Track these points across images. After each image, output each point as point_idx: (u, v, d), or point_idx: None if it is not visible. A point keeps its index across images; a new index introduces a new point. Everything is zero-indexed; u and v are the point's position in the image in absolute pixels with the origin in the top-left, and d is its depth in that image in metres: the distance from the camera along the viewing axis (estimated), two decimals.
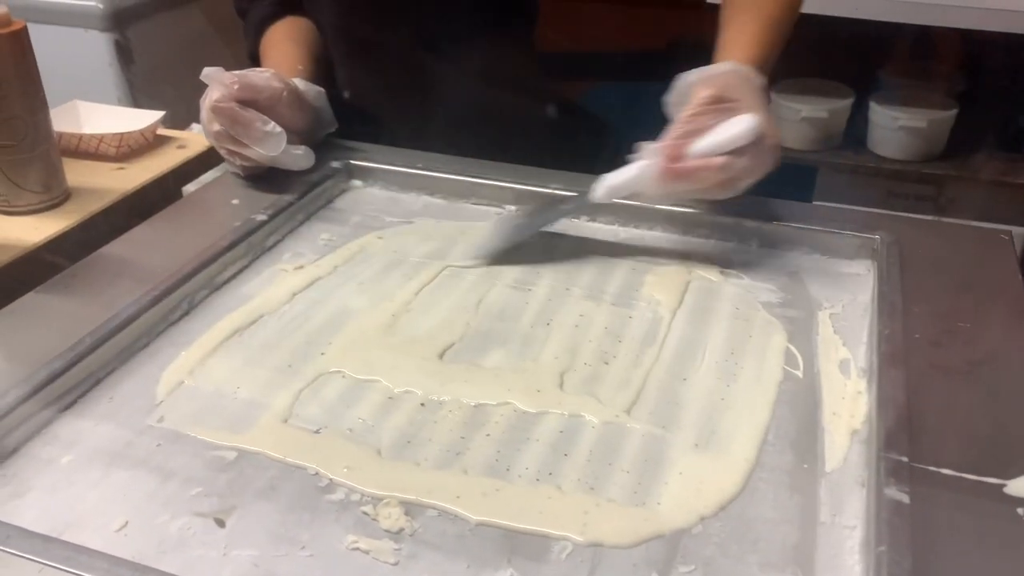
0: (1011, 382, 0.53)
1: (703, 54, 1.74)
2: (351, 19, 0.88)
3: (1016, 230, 1.63)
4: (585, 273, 0.68)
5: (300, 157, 0.75)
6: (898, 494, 0.44)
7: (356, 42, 0.88)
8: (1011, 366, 0.54)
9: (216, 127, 0.71)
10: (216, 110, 0.70)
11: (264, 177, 0.77)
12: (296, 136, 0.77)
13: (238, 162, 0.75)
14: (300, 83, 0.79)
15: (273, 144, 0.71)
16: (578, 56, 0.80)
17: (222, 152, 0.75)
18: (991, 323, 0.58)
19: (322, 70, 0.88)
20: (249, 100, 0.71)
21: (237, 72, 0.73)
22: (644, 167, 0.65)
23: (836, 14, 1.51)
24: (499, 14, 0.85)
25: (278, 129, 0.71)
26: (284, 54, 0.88)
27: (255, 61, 0.91)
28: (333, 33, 0.89)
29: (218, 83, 0.71)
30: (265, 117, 0.71)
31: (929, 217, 1.65)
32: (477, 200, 0.78)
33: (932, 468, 0.46)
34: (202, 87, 0.73)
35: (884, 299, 0.60)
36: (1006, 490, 0.45)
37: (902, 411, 0.50)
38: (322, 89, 0.81)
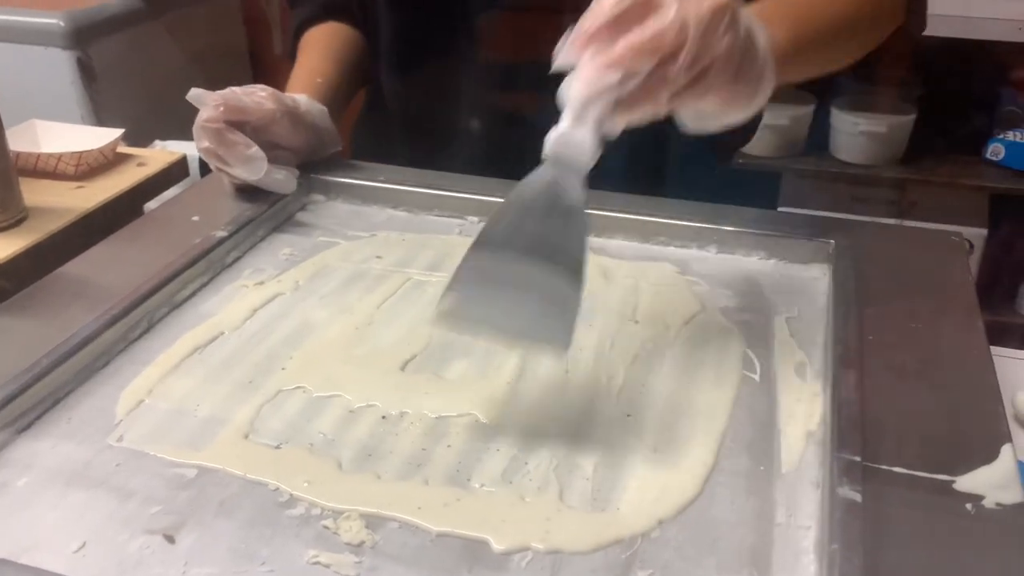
0: (961, 380, 0.54)
1: None
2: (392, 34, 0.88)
3: (974, 231, 1.67)
4: None
5: (281, 181, 0.75)
6: (851, 493, 0.45)
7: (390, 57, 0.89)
8: (961, 365, 0.55)
9: (204, 144, 0.72)
10: (204, 129, 0.71)
11: (226, 193, 0.77)
12: (293, 154, 0.78)
13: (226, 179, 0.76)
14: (303, 101, 0.79)
15: (254, 168, 0.72)
16: (524, 66, 0.80)
17: (212, 167, 0.76)
18: (943, 323, 0.59)
19: (352, 82, 0.89)
20: (238, 121, 0.71)
21: (224, 93, 0.73)
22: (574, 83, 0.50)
23: None
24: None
25: (260, 154, 0.72)
26: (309, 64, 0.88)
27: (293, 58, 0.91)
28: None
29: (203, 104, 0.72)
30: (249, 140, 0.71)
31: (891, 221, 1.68)
32: (440, 212, 0.79)
33: (885, 467, 0.47)
34: (165, 105, 0.73)
35: (839, 303, 0.61)
36: (955, 486, 0.46)
37: (856, 412, 0.51)
38: (324, 108, 0.81)
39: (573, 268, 0.50)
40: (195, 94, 0.73)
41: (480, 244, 0.50)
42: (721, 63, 0.50)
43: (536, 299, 0.50)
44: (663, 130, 0.60)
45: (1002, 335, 1.72)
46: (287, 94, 0.78)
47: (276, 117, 0.74)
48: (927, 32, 1.46)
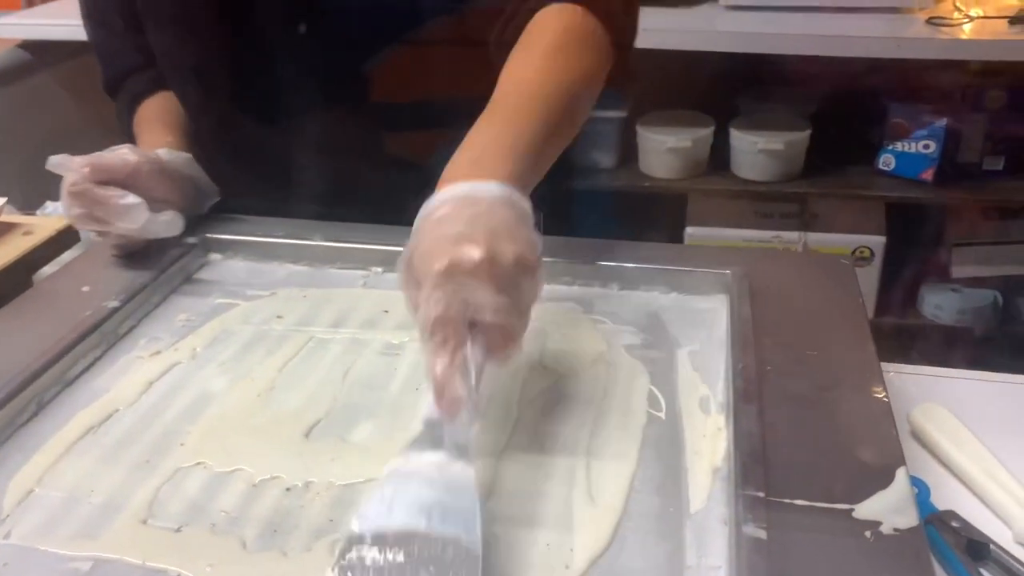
0: (856, 405, 0.55)
1: None
2: (186, 98, 0.86)
3: (873, 239, 1.73)
4: None
5: (168, 224, 0.73)
6: (756, 531, 0.46)
7: (208, 122, 0.87)
8: (856, 390, 0.57)
9: (76, 211, 0.70)
10: (72, 193, 0.69)
11: (118, 259, 0.75)
12: (171, 207, 0.75)
13: (110, 242, 0.74)
14: (165, 153, 0.77)
15: (134, 216, 0.70)
16: (426, 106, 0.79)
17: (92, 236, 0.73)
18: (837, 349, 0.61)
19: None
20: (105, 180, 0.69)
21: (88, 155, 0.71)
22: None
23: (693, 48, 1.57)
24: (335, 85, 0.82)
25: (136, 200, 0.69)
26: (154, 130, 0.86)
27: (129, 140, 0.88)
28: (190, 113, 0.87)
29: (68, 170, 0.69)
30: (123, 191, 0.69)
31: (794, 234, 1.74)
32: (343, 264, 0.78)
33: (787, 500, 0.48)
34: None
35: (736, 333, 0.62)
36: (854, 514, 0.47)
37: (757, 446, 0.52)
38: (189, 156, 0.79)
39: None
40: (56, 161, 0.70)
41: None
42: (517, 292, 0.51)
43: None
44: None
45: (907, 338, 1.78)
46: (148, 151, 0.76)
47: (143, 169, 0.72)
48: (820, 52, 1.51)
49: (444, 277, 0.49)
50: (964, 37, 1.52)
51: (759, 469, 0.50)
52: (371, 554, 0.44)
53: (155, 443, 0.57)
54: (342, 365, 0.64)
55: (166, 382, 0.63)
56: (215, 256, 0.79)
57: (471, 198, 0.54)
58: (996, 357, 1.75)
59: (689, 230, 1.78)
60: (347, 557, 0.44)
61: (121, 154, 0.72)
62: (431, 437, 0.50)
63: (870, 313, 1.78)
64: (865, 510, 0.47)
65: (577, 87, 0.68)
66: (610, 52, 0.72)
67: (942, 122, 1.62)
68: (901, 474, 0.49)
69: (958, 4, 1.57)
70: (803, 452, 0.52)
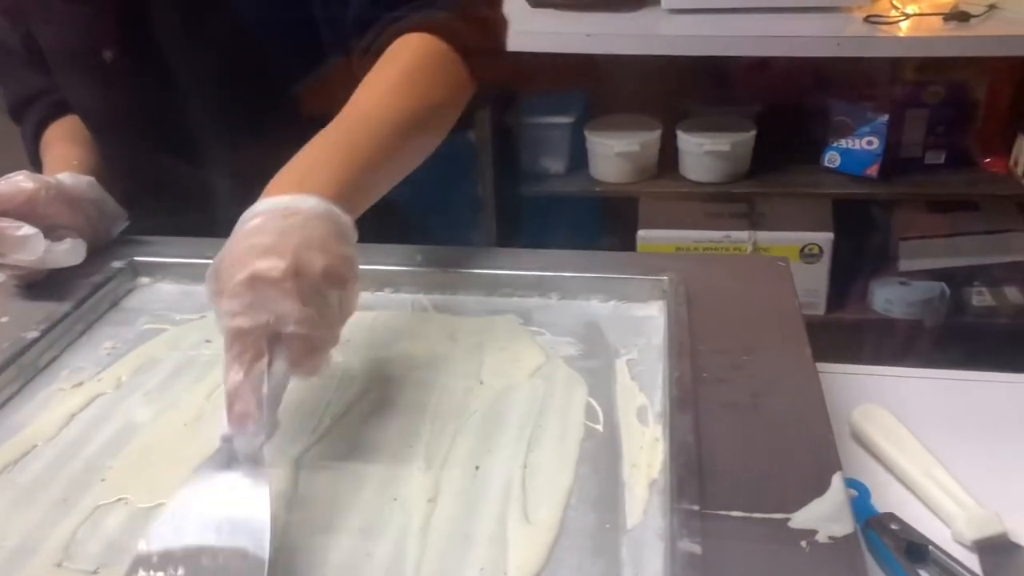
0: (791, 412, 0.55)
1: (510, 98, 1.76)
2: (101, 132, 0.84)
3: (821, 235, 1.75)
4: (394, 348, 0.66)
5: (67, 252, 0.71)
6: (691, 546, 0.45)
7: (112, 148, 0.85)
8: (790, 395, 0.56)
9: None
10: None
11: (39, 287, 0.72)
12: (73, 233, 0.72)
13: (8, 273, 0.71)
14: (67, 177, 0.74)
15: (31, 247, 0.67)
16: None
17: None
18: (772, 354, 0.60)
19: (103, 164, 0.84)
20: (0, 211, 0.67)
21: None
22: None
23: (637, 52, 1.58)
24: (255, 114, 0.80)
25: (32, 230, 0.67)
26: (59, 153, 0.84)
27: (37, 166, 0.86)
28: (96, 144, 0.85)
29: None
30: (17, 222, 0.66)
31: (744, 233, 1.74)
32: None
33: (723, 512, 0.47)
34: None
35: (673, 340, 0.62)
36: (790, 524, 0.46)
37: (692, 456, 0.51)
38: (92, 179, 0.76)
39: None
40: None
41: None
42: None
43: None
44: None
45: (858, 332, 1.80)
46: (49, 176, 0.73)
47: (41, 196, 0.69)
48: (762, 53, 1.52)
49: (245, 287, 0.49)
50: (901, 35, 1.53)
51: (694, 481, 0.49)
52: (156, 573, 0.44)
53: (74, 480, 0.54)
54: None
55: (88, 415, 0.60)
56: (144, 280, 0.77)
57: (288, 210, 0.53)
58: (945, 348, 1.77)
59: (641, 233, 1.79)
60: None
61: (15, 182, 0.69)
62: (227, 451, 0.49)
63: (821, 309, 1.80)
64: (801, 519, 0.47)
65: (422, 115, 0.68)
66: (467, 82, 0.73)
67: (884, 118, 1.64)
68: (837, 480, 0.49)
69: (895, 2, 1.59)
70: (739, 461, 0.51)
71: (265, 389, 0.48)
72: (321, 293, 0.51)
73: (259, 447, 0.49)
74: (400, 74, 0.69)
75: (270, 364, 0.49)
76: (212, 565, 0.44)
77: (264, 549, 0.45)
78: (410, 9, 0.72)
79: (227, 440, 0.49)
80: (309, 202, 0.54)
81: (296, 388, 0.54)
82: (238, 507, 0.47)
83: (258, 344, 0.49)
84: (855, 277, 1.83)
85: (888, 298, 1.80)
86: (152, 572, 0.44)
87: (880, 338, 1.80)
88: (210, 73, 0.78)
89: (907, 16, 1.56)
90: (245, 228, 0.53)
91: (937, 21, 1.54)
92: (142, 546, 0.45)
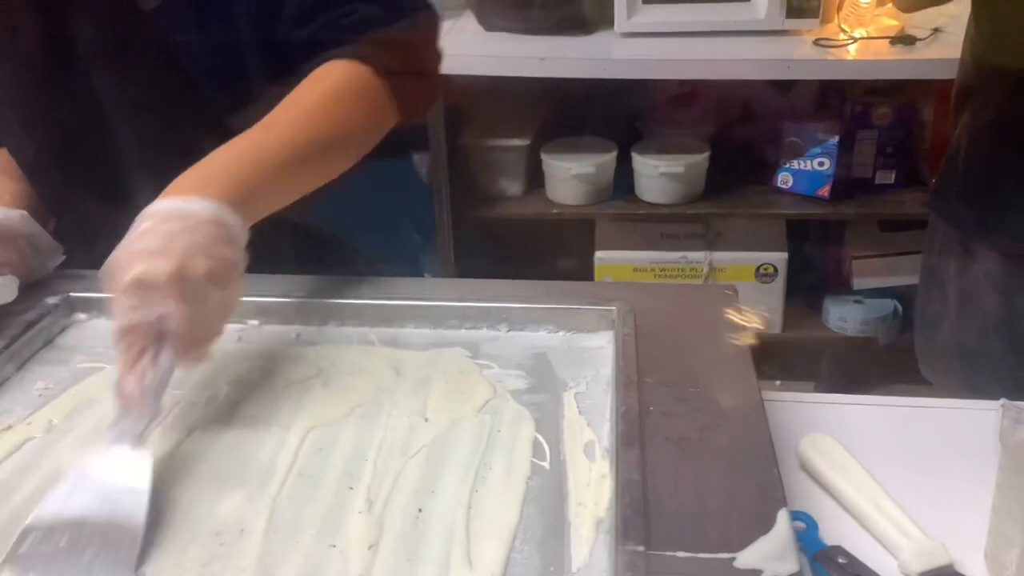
0: (737, 446, 0.54)
1: (464, 119, 1.76)
2: (31, 166, 0.82)
3: (776, 255, 1.76)
4: (337, 384, 0.65)
5: (1, 287, 0.68)
6: None
7: (43, 182, 0.83)
8: (737, 428, 0.56)
9: None
10: None
11: None
12: (8, 269, 0.70)
13: None
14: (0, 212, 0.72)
15: None
16: None
17: None
18: (719, 386, 0.60)
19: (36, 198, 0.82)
20: None
21: None
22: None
23: (591, 76, 1.59)
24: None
25: None
26: None
27: None
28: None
29: None
30: None
31: (700, 253, 1.75)
32: None
33: (668, 553, 0.47)
34: None
35: (620, 373, 0.61)
36: (736, 564, 0.46)
37: (638, 495, 0.50)
38: (24, 213, 0.74)
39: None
40: None
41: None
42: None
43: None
44: None
45: (814, 351, 1.81)
46: None
47: None
48: (713, 76, 1.53)
49: (131, 288, 0.55)
50: (849, 58, 1.56)
51: (639, 521, 0.48)
52: (41, 543, 0.49)
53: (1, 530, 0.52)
54: (209, 433, 0.60)
55: (16, 461, 0.58)
56: (80, 316, 0.74)
57: (179, 213, 0.58)
58: (899, 365, 1.79)
59: (599, 254, 1.79)
60: (19, 549, 0.49)
61: None
62: (116, 434, 0.55)
63: (777, 328, 1.81)
64: (746, 558, 0.46)
65: (334, 138, 0.70)
66: (389, 110, 0.74)
67: (834, 140, 1.66)
68: (782, 517, 0.48)
69: (843, 26, 1.62)
70: (685, 498, 0.50)
71: (149, 379, 0.55)
72: (203, 294, 0.56)
73: (143, 430, 0.55)
74: (319, 96, 0.70)
75: (156, 357, 0.55)
76: (94, 535, 0.50)
77: (141, 520, 0.50)
78: (340, 35, 0.73)
79: (114, 425, 0.55)
80: (202, 206, 0.58)
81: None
82: (122, 481, 0.52)
83: (144, 339, 0.55)
84: (809, 296, 1.85)
85: (842, 316, 1.82)
86: (38, 543, 0.49)
87: (834, 356, 1.81)
88: (138, 103, 0.76)
89: (855, 40, 1.59)
90: (137, 230, 0.57)
91: (884, 45, 1.57)
92: (33, 517, 0.50)
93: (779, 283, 1.76)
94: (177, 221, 0.57)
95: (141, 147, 0.77)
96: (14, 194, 0.79)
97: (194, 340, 0.57)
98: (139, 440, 0.55)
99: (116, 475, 0.53)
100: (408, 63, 0.75)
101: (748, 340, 0.65)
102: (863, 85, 1.69)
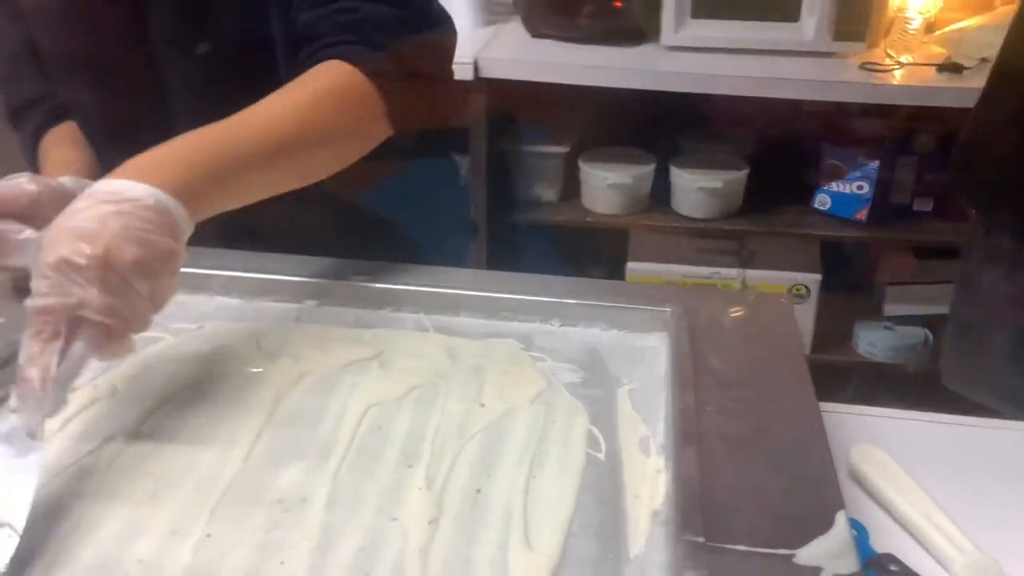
0: (795, 448, 0.55)
1: (508, 124, 1.77)
2: (95, 135, 0.84)
3: (809, 276, 1.76)
4: (394, 367, 0.66)
5: None
6: None
7: (109, 153, 0.84)
8: (794, 431, 0.56)
9: None
10: None
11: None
12: None
13: (7, 275, 0.69)
14: (69, 181, 0.73)
15: (32, 252, 0.66)
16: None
17: None
18: (775, 389, 0.61)
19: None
20: (1, 213, 0.65)
21: None
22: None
23: (634, 87, 1.59)
24: None
25: (34, 234, 0.65)
26: (61, 157, 0.83)
27: (34, 171, 0.85)
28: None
29: None
30: (20, 225, 0.65)
31: (733, 270, 1.76)
32: (277, 298, 0.75)
33: (727, 546, 0.47)
34: None
35: (676, 372, 0.62)
36: (795, 560, 0.46)
37: (696, 489, 0.51)
38: (93, 183, 0.76)
39: None
40: None
41: None
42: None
43: None
44: None
45: (842, 375, 1.81)
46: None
47: (44, 200, 0.68)
48: (757, 94, 1.54)
49: (52, 269, 0.51)
50: (895, 83, 1.56)
51: (698, 513, 0.49)
52: None
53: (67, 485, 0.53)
54: (271, 403, 0.61)
55: (82, 420, 0.59)
56: None
57: (118, 196, 0.54)
58: (927, 394, 1.78)
59: (630, 265, 1.79)
60: None
61: (18, 183, 0.68)
62: (5, 429, 0.51)
63: (806, 350, 1.81)
64: (806, 555, 0.46)
65: (317, 138, 0.68)
66: (381, 118, 0.73)
67: (875, 164, 1.66)
68: (840, 518, 0.49)
69: (889, 51, 1.62)
70: (743, 495, 0.51)
71: (54, 368, 0.50)
72: (129, 283, 0.53)
73: (39, 422, 0.51)
74: (308, 94, 0.69)
75: (67, 345, 0.51)
76: None
77: (22, 520, 0.48)
78: (345, 35, 0.72)
79: (4, 419, 0.52)
80: (144, 191, 0.55)
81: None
82: (6, 478, 0.50)
83: (57, 324, 0.51)
84: (840, 319, 1.85)
85: (872, 341, 1.81)
86: None
87: (863, 381, 1.81)
88: (202, 81, 0.77)
89: (901, 65, 1.59)
90: (73, 208, 0.54)
91: (931, 71, 1.57)
92: None
93: (811, 304, 1.76)
94: (114, 204, 0.54)
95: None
96: (81, 164, 0.81)
97: (113, 331, 0.53)
98: (34, 434, 0.51)
99: (3, 472, 0.50)
100: (413, 71, 0.73)
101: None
102: (906, 111, 1.69)
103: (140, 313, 0.54)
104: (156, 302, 0.55)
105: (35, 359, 0.51)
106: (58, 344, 0.51)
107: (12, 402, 0.51)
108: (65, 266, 0.51)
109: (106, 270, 0.51)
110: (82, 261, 0.51)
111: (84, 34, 0.79)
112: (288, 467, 0.55)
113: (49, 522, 0.51)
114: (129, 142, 0.81)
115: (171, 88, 0.80)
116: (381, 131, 0.74)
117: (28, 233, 0.65)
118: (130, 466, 0.55)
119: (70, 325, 0.51)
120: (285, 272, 0.75)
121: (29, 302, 0.52)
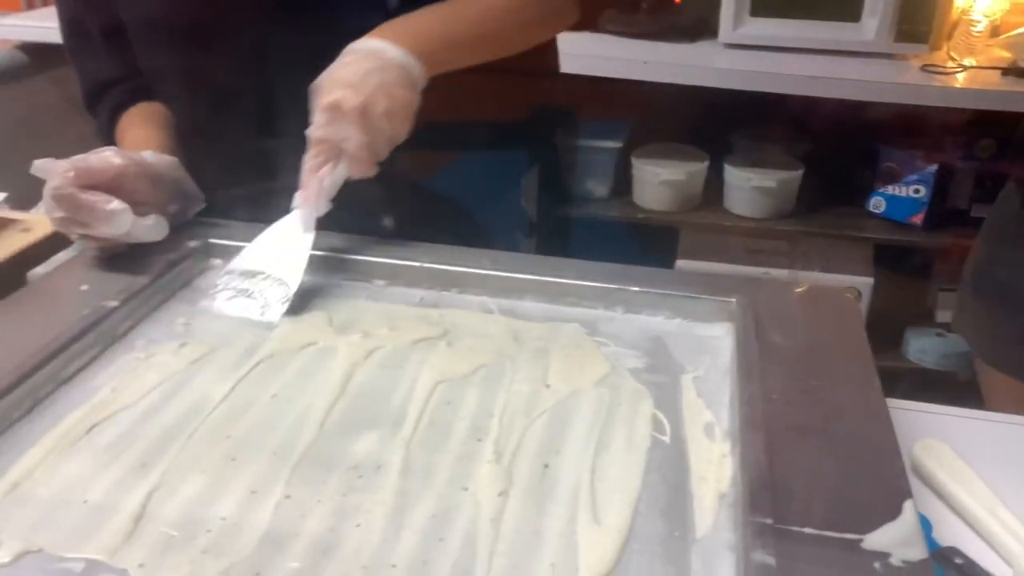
0: (862, 437, 0.55)
1: (565, 120, 1.78)
2: (192, 107, 0.86)
3: (861, 279, 1.74)
4: (460, 346, 0.67)
5: (151, 228, 0.73)
6: (765, 557, 0.45)
7: (197, 128, 0.87)
8: (861, 422, 0.57)
9: (59, 214, 0.69)
10: (56, 197, 0.68)
11: (118, 259, 0.74)
12: (155, 210, 0.74)
13: (92, 244, 0.73)
14: (150, 155, 0.76)
15: (119, 222, 0.69)
16: (437, 127, 0.79)
17: (73, 237, 0.72)
18: (840, 379, 0.61)
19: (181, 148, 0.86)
20: (90, 184, 0.68)
21: (72, 159, 0.70)
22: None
23: (691, 83, 1.59)
24: None
25: (121, 206, 0.68)
26: (139, 132, 0.86)
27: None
28: (178, 121, 0.87)
29: (51, 174, 0.68)
30: (108, 196, 0.68)
31: (783, 271, 1.75)
32: (348, 276, 0.77)
33: (795, 528, 0.48)
34: None
35: (742, 361, 0.62)
36: (863, 545, 0.47)
37: (764, 473, 0.51)
38: (174, 159, 0.78)
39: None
40: (40, 165, 0.69)
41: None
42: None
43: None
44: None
45: (891, 380, 1.79)
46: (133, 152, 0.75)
47: (128, 172, 0.71)
48: (815, 93, 1.53)
49: (326, 110, 0.69)
50: (957, 86, 1.54)
51: (766, 496, 0.50)
52: (233, 280, 0.72)
53: (152, 446, 0.56)
54: (343, 374, 0.63)
55: (164, 386, 0.62)
56: (216, 261, 0.78)
57: (376, 54, 0.71)
58: (978, 403, 1.76)
59: (680, 263, 1.79)
60: (219, 281, 0.73)
61: (106, 157, 0.71)
62: (293, 219, 0.73)
63: None
64: (874, 541, 0.47)
65: (518, 26, 0.85)
66: (571, 10, 0.89)
67: (933, 168, 1.64)
68: (909, 507, 0.49)
69: (952, 54, 1.60)
70: (809, 481, 0.51)
71: (326, 182, 0.72)
72: (379, 126, 0.70)
73: (313, 219, 0.73)
74: None
75: (334, 167, 0.72)
76: (262, 284, 0.71)
77: (296, 280, 0.71)
78: None
79: (295, 208, 0.73)
80: (396, 52, 0.72)
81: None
82: (290, 248, 0.72)
83: (329, 151, 0.71)
84: (891, 324, 1.83)
85: (923, 348, 1.79)
86: (231, 279, 0.72)
87: (911, 388, 1.79)
88: (293, 43, 0.80)
89: (964, 68, 1.58)
90: (342, 61, 0.71)
91: (994, 75, 1.55)
92: (230, 265, 0.74)
93: (862, 308, 1.75)
94: (374, 60, 0.70)
95: (292, 84, 0.81)
96: (160, 142, 0.84)
97: (364, 161, 0.71)
98: (308, 226, 0.73)
99: (288, 245, 0.72)
100: None
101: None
102: (968, 115, 1.67)
103: (383, 149, 0.72)
104: (394, 141, 0.72)
105: (313, 175, 0.71)
106: (328, 166, 0.71)
107: (295, 201, 0.73)
108: (336, 108, 0.68)
109: (363, 115, 0.68)
110: (348, 106, 0.68)
111: (198, 1, 0.82)
112: (362, 436, 0.57)
113: (135, 478, 0.53)
114: (232, 110, 0.85)
115: (259, 49, 0.82)
116: (568, 20, 0.90)
117: (115, 204, 0.68)
118: (211, 429, 0.57)
119: (335, 152, 0.71)
120: (356, 252, 0.77)
121: (309, 132, 0.71)
